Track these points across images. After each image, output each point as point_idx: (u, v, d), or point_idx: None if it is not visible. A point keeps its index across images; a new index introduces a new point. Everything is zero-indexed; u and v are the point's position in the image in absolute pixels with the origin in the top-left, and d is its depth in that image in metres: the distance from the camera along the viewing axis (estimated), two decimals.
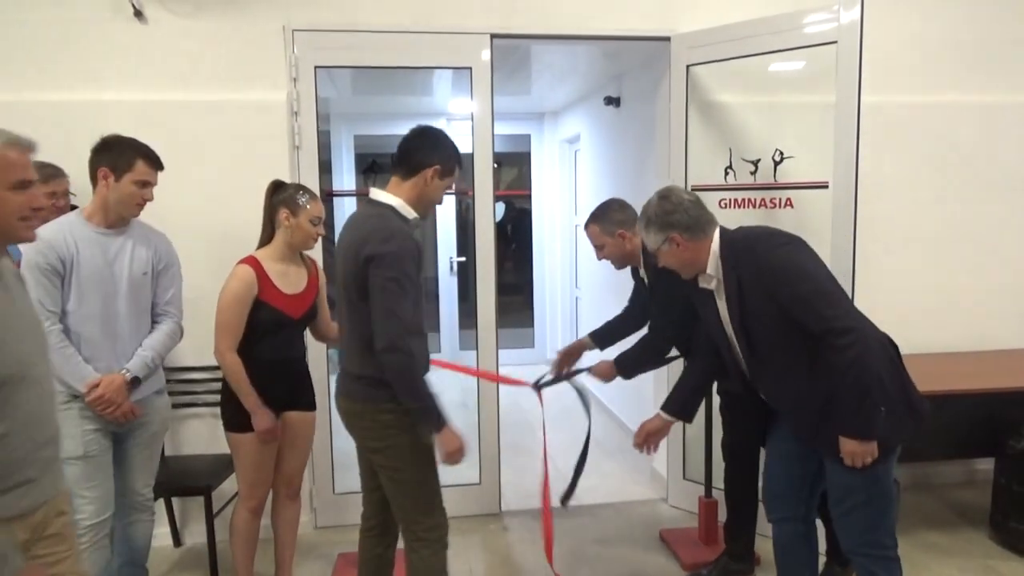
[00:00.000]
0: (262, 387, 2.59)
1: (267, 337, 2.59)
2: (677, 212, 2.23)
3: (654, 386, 4.12)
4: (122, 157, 2.41)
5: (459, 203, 6.67)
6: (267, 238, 2.66)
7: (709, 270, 2.24)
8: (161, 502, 3.29)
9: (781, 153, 3.26)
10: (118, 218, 2.45)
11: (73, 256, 2.34)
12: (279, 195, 2.63)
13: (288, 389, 2.70)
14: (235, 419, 2.62)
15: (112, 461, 2.47)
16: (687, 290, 2.41)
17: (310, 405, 2.80)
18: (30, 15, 3.12)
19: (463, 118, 5.91)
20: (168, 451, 3.30)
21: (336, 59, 3.41)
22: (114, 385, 2.37)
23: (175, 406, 3.27)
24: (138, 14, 3.16)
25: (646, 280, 2.92)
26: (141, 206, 2.47)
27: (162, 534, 3.35)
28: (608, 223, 2.84)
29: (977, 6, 3.71)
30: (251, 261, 2.59)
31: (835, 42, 2.96)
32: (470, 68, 3.45)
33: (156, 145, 3.18)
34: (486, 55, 3.43)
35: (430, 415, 2.14)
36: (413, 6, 3.37)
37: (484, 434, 3.70)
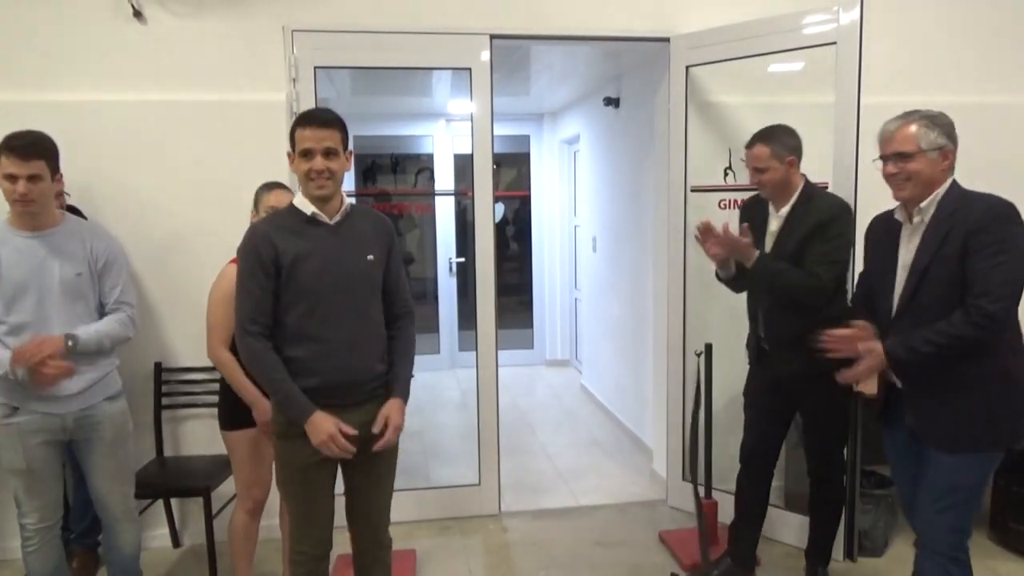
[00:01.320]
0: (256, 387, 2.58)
1: None
2: (955, 133, 2.21)
3: (653, 386, 4.13)
4: None
5: (458, 204, 6.68)
6: None
7: (924, 203, 2.19)
8: (160, 503, 3.29)
9: None
10: (34, 220, 2.36)
11: None
12: (254, 199, 2.65)
13: None
14: (230, 418, 2.62)
15: (61, 472, 2.50)
16: (873, 223, 2.42)
17: None
18: (29, 14, 3.12)
19: (462, 118, 5.93)
20: (167, 452, 3.30)
21: (336, 59, 3.41)
22: (39, 339, 2.28)
23: (174, 407, 3.29)
24: (137, 14, 3.16)
25: (780, 221, 2.75)
26: (23, 203, 2.31)
27: (161, 535, 3.35)
28: (780, 146, 2.68)
29: (976, 9, 3.71)
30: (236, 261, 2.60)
31: (835, 43, 2.97)
32: (469, 69, 3.45)
33: (156, 145, 3.21)
34: (485, 56, 3.43)
35: (290, 404, 2.11)
36: (413, 7, 3.37)
37: (483, 435, 3.69)
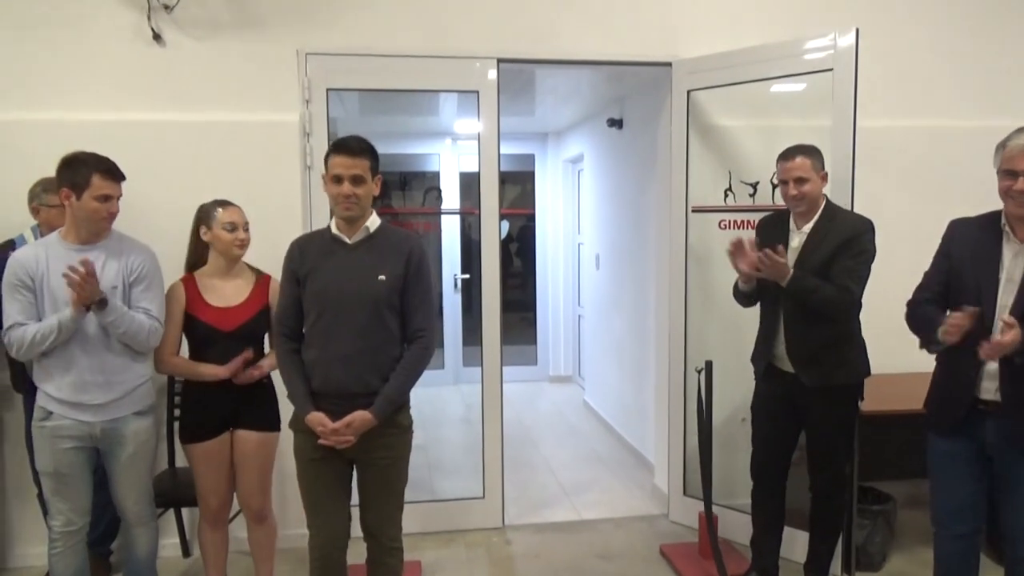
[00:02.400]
0: (207, 400, 2.68)
1: (204, 350, 2.69)
2: None
3: (655, 402, 4.19)
4: (79, 175, 2.44)
5: (463, 221, 6.77)
6: (194, 260, 2.77)
7: None
8: (171, 513, 3.35)
9: None
10: (90, 234, 2.53)
11: (43, 273, 2.46)
12: (198, 215, 2.75)
13: (233, 405, 2.70)
14: (184, 430, 2.74)
15: (90, 478, 2.59)
16: (959, 230, 2.44)
17: (261, 424, 2.74)
18: (53, 35, 3.23)
19: (468, 137, 6.02)
20: (179, 462, 3.36)
21: (348, 82, 3.51)
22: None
23: None
24: (157, 37, 3.27)
25: (803, 237, 2.81)
26: (108, 220, 2.53)
27: (171, 545, 3.40)
28: (817, 159, 2.78)
29: (970, 34, 3.81)
30: (186, 277, 2.74)
31: (831, 70, 3.06)
32: (477, 91, 3.55)
33: (174, 164, 3.32)
34: (493, 79, 3.53)
35: (293, 399, 2.39)
36: (422, 32, 3.48)
37: (487, 448, 3.75)
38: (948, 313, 2.28)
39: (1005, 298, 2.27)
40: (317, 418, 2.32)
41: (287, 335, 2.43)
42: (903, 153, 3.78)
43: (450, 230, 6.82)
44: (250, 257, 2.82)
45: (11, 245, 2.90)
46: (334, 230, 2.41)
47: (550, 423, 5.90)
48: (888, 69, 3.68)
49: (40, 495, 3.03)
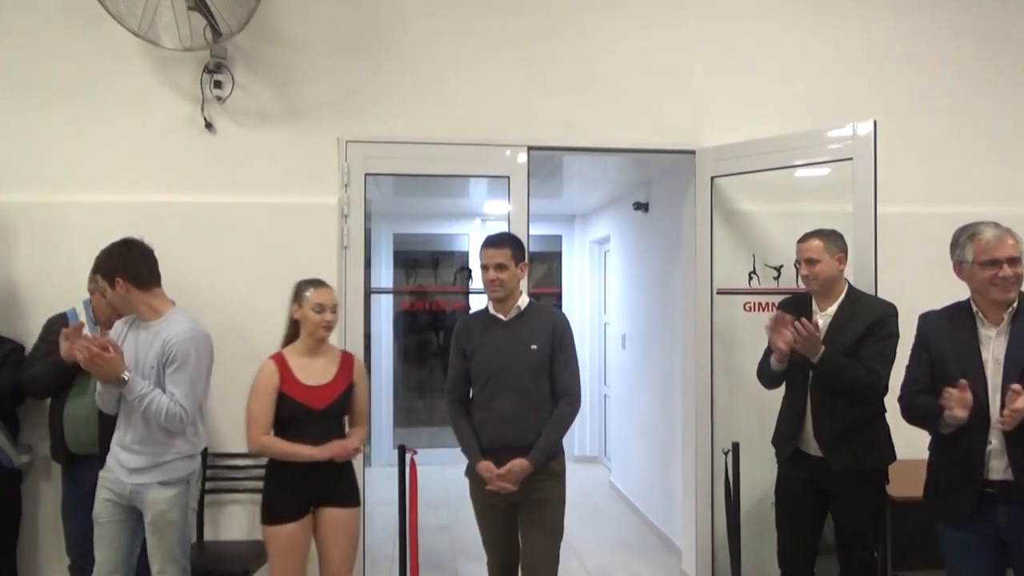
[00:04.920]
0: (294, 481, 2.71)
1: (295, 428, 2.72)
2: None
3: (682, 484, 4.15)
4: (111, 271, 2.71)
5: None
6: (291, 335, 2.86)
7: (1014, 304, 2.37)
8: None
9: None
10: (149, 313, 2.74)
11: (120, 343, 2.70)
12: (293, 292, 2.85)
13: (321, 482, 2.75)
14: (268, 511, 2.73)
15: (125, 537, 2.70)
16: (933, 323, 2.54)
17: (348, 500, 2.82)
18: (112, 120, 3.46)
19: (497, 218, 6.19)
20: (207, 535, 3.39)
21: (385, 167, 3.70)
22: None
23: (216, 491, 3.40)
24: (208, 126, 3.49)
25: (828, 319, 2.86)
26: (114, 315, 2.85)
27: None
28: (833, 242, 2.86)
29: (988, 120, 3.88)
30: (276, 356, 2.79)
31: (851, 159, 3.16)
32: (508, 176, 3.70)
33: (220, 242, 3.48)
34: (523, 165, 3.68)
35: (466, 452, 2.86)
36: (456, 120, 3.66)
37: None
38: (946, 393, 2.31)
39: (995, 379, 2.35)
40: (485, 465, 2.76)
41: (459, 400, 2.93)
42: (927, 240, 3.81)
43: (478, 308, 6.89)
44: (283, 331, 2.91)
45: (63, 318, 3.05)
46: (491, 310, 2.88)
47: (576, 504, 5.75)
48: (910, 156, 3.76)
49: (71, 566, 3.08)
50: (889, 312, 2.80)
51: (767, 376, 2.98)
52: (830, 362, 2.72)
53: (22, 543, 3.30)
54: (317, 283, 2.84)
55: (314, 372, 2.79)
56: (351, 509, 2.83)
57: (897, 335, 2.78)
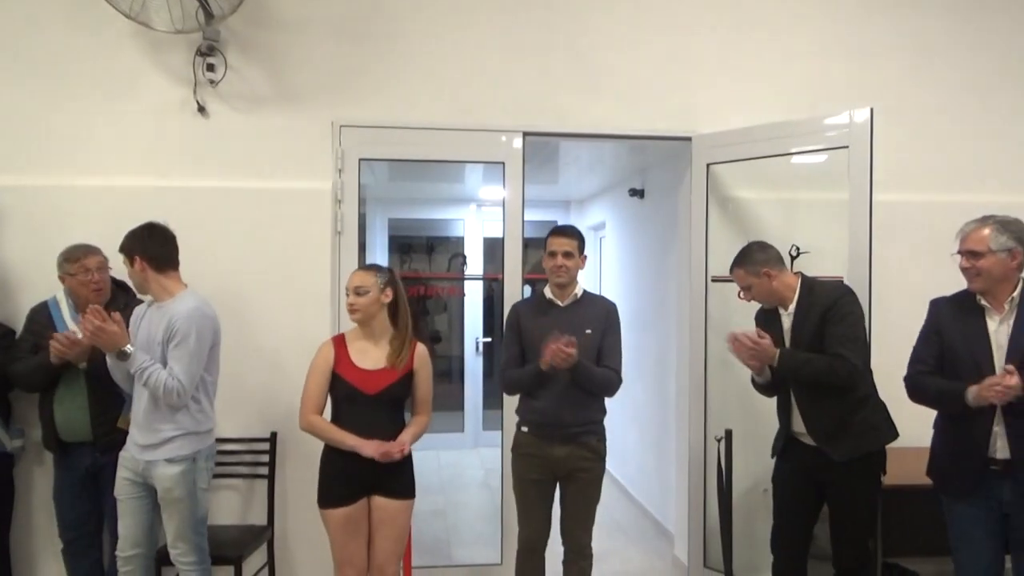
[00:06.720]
0: (347, 467, 2.68)
1: (345, 409, 2.74)
2: None
3: (676, 471, 4.17)
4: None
5: (486, 285, 6.87)
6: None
7: (1015, 293, 2.50)
8: None
9: (798, 248, 3.40)
10: (162, 294, 2.84)
11: (135, 326, 2.84)
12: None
13: (375, 471, 2.68)
14: (322, 495, 2.73)
15: (145, 513, 2.79)
16: (943, 309, 2.64)
17: (401, 492, 2.77)
18: (109, 107, 3.43)
19: (492, 204, 6.17)
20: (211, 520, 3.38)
21: (380, 152, 3.67)
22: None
23: (212, 476, 3.38)
24: (201, 109, 3.46)
25: (791, 318, 2.89)
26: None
27: None
28: (752, 264, 2.89)
29: (984, 109, 3.87)
30: (336, 337, 2.82)
31: (847, 147, 3.15)
32: (503, 162, 3.68)
33: (212, 227, 3.45)
34: (519, 151, 3.67)
35: (532, 382, 2.99)
36: (452, 106, 3.64)
37: (507, 514, 3.73)
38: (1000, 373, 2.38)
39: (1002, 365, 2.45)
40: (554, 337, 2.79)
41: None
42: (922, 227, 3.82)
43: (473, 293, 6.92)
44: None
45: (45, 308, 3.07)
46: (548, 295, 3.03)
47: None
48: (907, 144, 3.75)
49: (64, 550, 3.09)
50: (840, 293, 2.81)
51: (758, 388, 3.00)
52: (786, 363, 2.76)
53: (15, 527, 3.30)
54: (361, 268, 2.89)
55: (371, 356, 2.76)
56: (404, 501, 2.79)
57: (857, 312, 2.79)
